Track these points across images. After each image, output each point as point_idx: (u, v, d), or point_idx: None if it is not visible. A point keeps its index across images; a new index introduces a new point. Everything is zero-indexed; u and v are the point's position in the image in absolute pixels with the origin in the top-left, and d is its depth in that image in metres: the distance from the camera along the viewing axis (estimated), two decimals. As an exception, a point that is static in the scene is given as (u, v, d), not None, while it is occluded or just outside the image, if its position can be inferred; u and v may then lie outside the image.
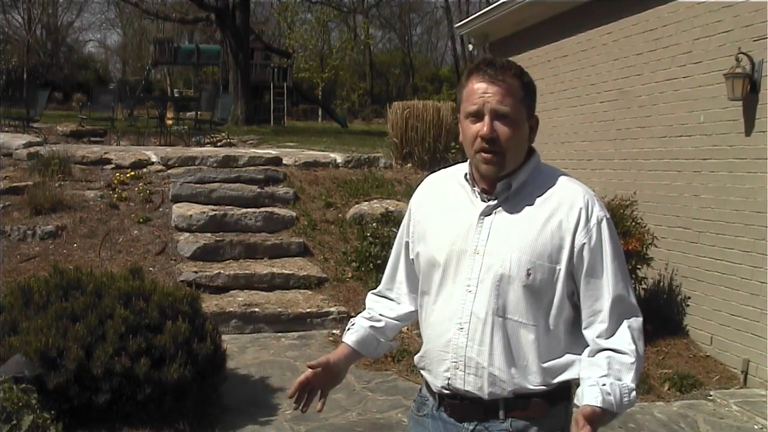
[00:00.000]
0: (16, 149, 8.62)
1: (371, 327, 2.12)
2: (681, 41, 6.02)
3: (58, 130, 13.71)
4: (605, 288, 1.74)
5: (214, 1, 21.43)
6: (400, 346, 5.56)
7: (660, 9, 6.31)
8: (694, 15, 5.87)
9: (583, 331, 1.76)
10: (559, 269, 1.73)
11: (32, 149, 8.53)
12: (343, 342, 2.09)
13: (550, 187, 1.79)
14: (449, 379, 1.79)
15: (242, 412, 4.43)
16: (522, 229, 1.75)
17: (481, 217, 1.80)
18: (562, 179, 1.82)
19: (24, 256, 6.43)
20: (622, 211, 5.79)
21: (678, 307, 6.03)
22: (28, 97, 13.74)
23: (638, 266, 5.72)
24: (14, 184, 7.45)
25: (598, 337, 1.74)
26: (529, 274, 1.72)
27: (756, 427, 4.57)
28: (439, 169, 2.07)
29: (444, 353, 1.80)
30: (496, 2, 8.76)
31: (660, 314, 6.05)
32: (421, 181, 2.09)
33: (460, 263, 1.79)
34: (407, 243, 2.03)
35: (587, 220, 1.74)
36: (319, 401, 1.98)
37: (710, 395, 5.02)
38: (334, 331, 6.02)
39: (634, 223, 5.79)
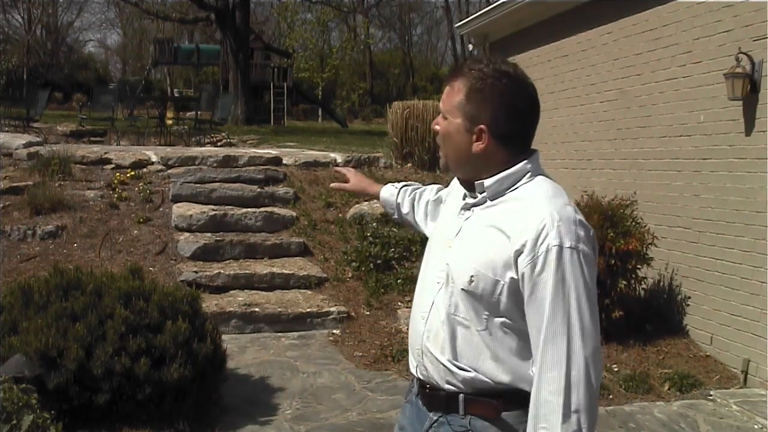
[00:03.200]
0: (16, 149, 8.62)
1: (402, 193, 2.37)
2: (681, 41, 6.02)
3: (58, 130, 13.74)
4: (541, 325, 1.62)
5: (214, 1, 21.45)
6: (400, 346, 5.56)
7: (660, 9, 6.31)
8: (694, 15, 5.87)
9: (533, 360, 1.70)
10: (503, 284, 1.66)
11: (32, 149, 8.53)
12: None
13: (521, 198, 1.71)
14: (417, 365, 1.85)
15: (242, 412, 4.43)
16: (479, 236, 1.73)
17: (460, 211, 1.82)
18: (539, 193, 1.70)
19: (24, 256, 6.43)
20: (622, 210, 5.80)
21: (678, 307, 6.03)
22: (28, 97, 13.75)
23: (638, 266, 5.72)
24: (14, 184, 7.45)
25: (536, 374, 1.64)
26: (471, 281, 1.69)
27: (756, 427, 4.57)
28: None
29: (413, 340, 1.87)
30: (496, 2, 8.76)
31: (660, 314, 6.05)
32: (424, 180, 2.16)
33: (438, 255, 1.84)
34: (437, 201, 2.23)
35: (534, 246, 1.61)
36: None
37: (710, 395, 5.02)
38: (334, 331, 6.02)
39: (634, 223, 5.79)
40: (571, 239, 1.62)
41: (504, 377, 1.70)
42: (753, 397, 4.98)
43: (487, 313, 1.70)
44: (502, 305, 1.68)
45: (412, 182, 2.41)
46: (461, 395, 1.75)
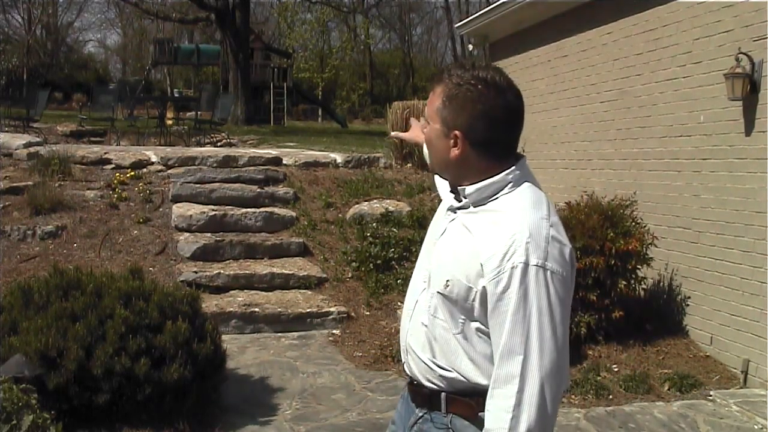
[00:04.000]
0: (16, 149, 8.62)
1: None
2: (681, 41, 6.02)
3: (58, 130, 13.73)
4: (499, 339, 1.61)
5: (214, 1, 21.44)
6: (399, 346, 5.56)
7: (660, 9, 6.31)
8: (694, 15, 5.87)
9: None
10: (476, 291, 1.65)
11: (32, 149, 8.53)
12: None
13: (497, 209, 1.69)
14: (404, 362, 1.90)
15: (242, 412, 4.43)
16: (458, 239, 1.74)
17: (447, 212, 1.84)
18: (516, 205, 1.68)
19: (24, 256, 6.43)
20: (622, 211, 5.79)
21: (678, 307, 6.03)
22: (28, 97, 13.75)
23: (638, 266, 5.71)
24: (14, 184, 7.45)
25: (490, 388, 1.63)
26: (447, 285, 1.70)
27: (756, 427, 4.57)
28: None
29: (401, 337, 1.91)
30: (496, 2, 8.76)
31: (660, 314, 6.05)
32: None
33: (426, 254, 1.87)
34: None
35: (500, 263, 1.60)
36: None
37: (710, 395, 5.01)
38: (334, 331, 6.02)
39: (633, 223, 5.79)
40: (539, 257, 1.60)
41: (481, 380, 1.70)
42: (753, 397, 4.98)
43: (462, 317, 1.71)
44: (476, 311, 1.68)
45: None
46: (443, 393, 1.77)
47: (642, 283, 5.93)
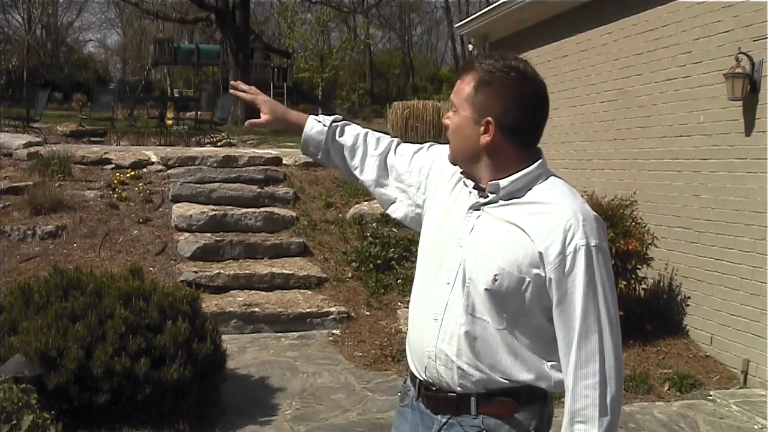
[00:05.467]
0: (16, 149, 8.62)
1: (337, 133, 2.12)
2: (681, 41, 6.02)
3: (58, 130, 13.72)
4: (574, 323, 1.66)
5: (214, 1, 21.43)
6: (400, 347, 5.56)
7: (660, 9, 6.31)
8: (694, 15, 5.87)
9: (561, 359, 1.71)
10: (529, 281, 1.68)
11: (32, 149, 8.53)
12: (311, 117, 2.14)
13: (543, 199, 1.72)
14: (426, 367, 1.82)
15: (242, 412, 4.43)
16: (500, 234, 1.73)
17: (470, 210, 1.80)
18: (558, 194, 1.72)
19: (24, 256, 6.43)
20: (622, 211, 5.79)
21: (678, 307, 6.03)
22: (28, 97, 13.73)
23: (638, 266, 5.72)
24: (14, 184, 7.45)
25: (568, 371, 1.68)
26: (495, 279, 1.69)
27: (756, 427, 4.57)
28: None
29: (420, 342, 1.83)
30: (496, 2, 8.76)
31: (660, 314, 6.05)
32: None
33: (447, 254, 1.80)
34: (422, 174, 1.99)
35: (563, 248, 1.64)
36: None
37: (710, 395, 5.02)
38: (334, 331, 6.02)
39: (634, 223, 5.79)
40: (596, 237, 1.67)
41: (524, 375, 1.71)
42: (753, 397, 4.98)
43: (508, 311, 1.70)
44: (526, 302, 1.69)
45: (340, 118, 2.18)
46: (473, 396, 1.75)
47: (642, 283, 5.93)
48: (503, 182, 1.74)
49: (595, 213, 1.72)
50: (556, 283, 1.66)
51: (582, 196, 1.81)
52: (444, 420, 1.79)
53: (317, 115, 2.20)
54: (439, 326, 1.77)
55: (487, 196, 1.77)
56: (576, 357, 1.66)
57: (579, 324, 1.65)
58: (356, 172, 2.10)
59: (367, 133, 2.15)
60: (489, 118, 1.72)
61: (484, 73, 1.73)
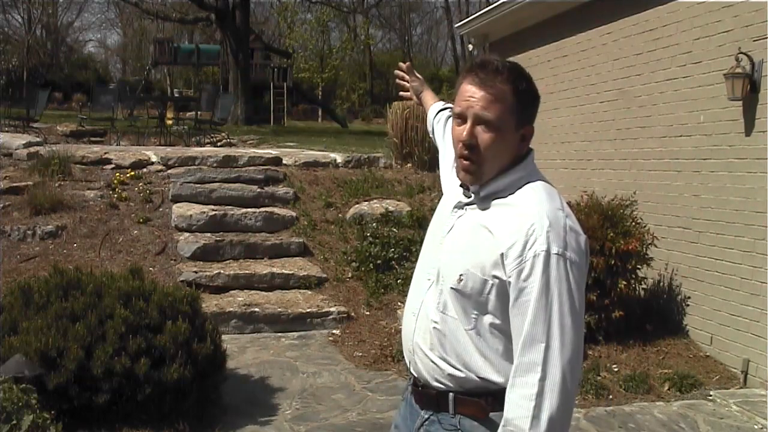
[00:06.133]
0: (16, 149, 8.62)
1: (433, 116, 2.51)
2: (681, 41, 6.02)
3: (58, 130, 13.72)
4: (522, 327, 1.62)
5: (214, 1, 21.44)
6: (400, 347, 5.56)
7: (660, 9, 6.31)
8: (694, 15, 5.87)
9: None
10: (491, 284, 1.66)
11: (32, 149, 8.53)
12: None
13: (515, 202, 1.70)
14: (410, 362, 1.85)
15: (242, 412, 4.43)
16: (471, 234, 1.73)
17: (453, 209, 1.82)
18: (532, 197, 1.70)
19: (24, 256, 6.43)
20: (622, 211, 5.79)
21: (678, 307, 6.03)
22: (28, 97, 13.74)
23: (638, 266, 5.72)
24: (14, 184, 7.45)
25: (510, 377, 1.64)
26: (460, 279, 1.69)
27: (756, 427, 4.57)
28: (438, 169, 2.09)
29: (405, 336, 1.86)
30: (496, 2, 8.76)
31: (660, 314, 6.05)
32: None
33: (431, 251, 1.84)
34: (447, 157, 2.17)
35: (522, 251, 1.62)
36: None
37: (710, 395, 5.02)
38: (334, 331, 6.02)
39: (634, 223, 5.79)
40: (559, 246, 1.62)
41: (494, 377, 1.70)
42: (753, 397, 4.98)
43: (475, 312, 1.70)
44: (490, 305, 1.68)
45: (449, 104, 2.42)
46: (451, 394, 1.75)
47: (642, 283, 5.93)
48: (488, 186, 1.74)
49: (569, 223, 1.67)
50: (512, 287, 1.63)
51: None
52: (427, 416, 1.81)
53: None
54: (415, 320, 1.81)
55: (470, 196, 1.78)
56: (517, 363, 1.62)
57: (525, 331, 1.61)
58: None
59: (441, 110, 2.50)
60: (529, 127, 1.75)
61: (517, 80, 1.71)
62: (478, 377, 1.71)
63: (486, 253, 1.67)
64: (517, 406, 1.59)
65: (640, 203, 6.08)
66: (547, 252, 1.60)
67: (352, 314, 6.24)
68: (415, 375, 1.84)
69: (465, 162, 1.72)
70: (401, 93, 2.73)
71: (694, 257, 5.85)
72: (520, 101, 1.70)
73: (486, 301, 1.68)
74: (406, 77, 2.66)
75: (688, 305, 5.95)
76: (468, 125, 1.70)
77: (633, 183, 6.56)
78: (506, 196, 1.72)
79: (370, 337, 5.90)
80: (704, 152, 5.74)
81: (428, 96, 2.62)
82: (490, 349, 1.70)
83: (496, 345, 1.69)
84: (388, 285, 6.64)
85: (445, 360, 1.74)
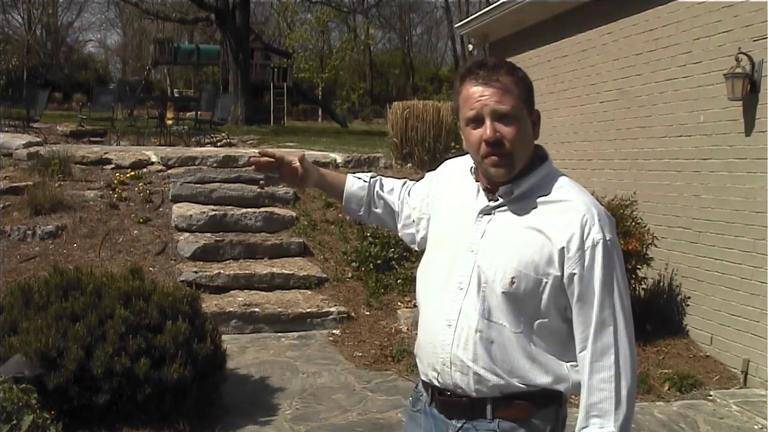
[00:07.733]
0: (16, 149, 8.62)
1: (372, 188, 2.13)
2: (681, 41, 6.02)
3: (58, 130, 13.71)
4: (591, 315, 1.68)
5: (214, 1, 21.43)
6: (400, 347, 5.56)
7: (660, 9, 6.31)
8: (694, 15, 5.87)
9: (578, 355, 1.72)
10: (546, 282, 1.69)
11: (32, 149, 8.53)
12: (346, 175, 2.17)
13: (555, 198, 1.74)
14: (439, 374, 1.79)
15: (242, 412, 4.43)
16: (515, 236, 1.72)
17: (480, 215, 1.78)
18: (570, 191, 1.76)
19: (24, 256, 6.43)
20: (622, 211, 5.79)
21: (678, 307, 6.03)
22: (28, 97, 13.72)
23: (638, 266, 5.71)
24: (14, 184, 7.45)
25: (584, 365, 1.69)
26: (513, 282, 1.69)
27: (756, 427, 4.57)
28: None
29: (433, 348, 1.79)
30: (496, 2, 8.76)
31: (660, 314, 6.05)
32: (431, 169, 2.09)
33: (456, 259, 1.78)
34: (422, 203, 2.03)
35: (581, 243, 1.67)
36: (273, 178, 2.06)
37: (710, 395, 5.02)
38: (334, 331, 6.02)
39: (634, 223, 5.79)
40: (609, 232, 1.71)
41: (541, 379, 1.71)
42: (753, 397, 4.98)
43: (524, 314, 1.70)
44: (542, 304, 1.70)
45: (376, 175, 2.18)
46: (489, 399, 1.73)
47: (642, 283, 5.93)
48: (520, 186, 1.75)
49: (605, 210, 1.77)
50: (578, 278, 1.67)
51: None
52: (459, 425, 1.77)
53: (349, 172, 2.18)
54: (453, 332, 1.75)
55: (497, 200, 1.77)
56: (592, 350, 1.67)
57: (595, 317, 1.68)
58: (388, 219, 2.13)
59: (390, 184, 2.15)
60: (535, 112, 1.79)
61: (515, 71, 1.75)
62: (523, 382, 1.71)
63: (538, 252, 1.69)
64: (599, 390, 1.66)
65: (640, 203, 6.08)
66: (604, 239, 1.68)
67: (352, 314, 6.24)
68: (445, 386, 1.78)
69: (495, 158, 1.72)
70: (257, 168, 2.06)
71: (694, 257, 5.85)
72: (523, 89, 1.75)
73: (539, 301, 1.70)
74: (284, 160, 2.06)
75: (688, 305, 5.95)
76: (488, 123, 1.71)
77: (633, 183, 6.57)
78: (544, 194, 1.75)
79: (370, 337, 5.90)
80: (704, 152, 5.75)
81: (330, 174, 2.19)
82: (539, 349, 1.71)
83: (545, 345, 1.72)
84: (388, 285, 6.64)
85: (489, 370, 1.71)
